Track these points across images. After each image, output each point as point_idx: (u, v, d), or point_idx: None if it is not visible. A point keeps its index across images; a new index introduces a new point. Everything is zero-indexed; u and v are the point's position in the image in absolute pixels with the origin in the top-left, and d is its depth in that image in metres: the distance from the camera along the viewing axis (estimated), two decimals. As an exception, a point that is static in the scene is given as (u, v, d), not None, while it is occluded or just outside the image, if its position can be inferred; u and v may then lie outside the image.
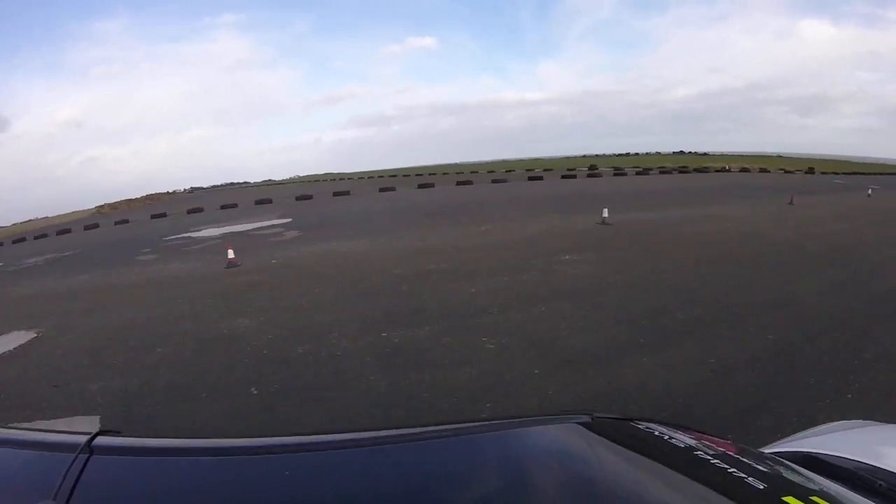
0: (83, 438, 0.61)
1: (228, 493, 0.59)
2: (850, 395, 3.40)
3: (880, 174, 43.38)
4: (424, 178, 46.80)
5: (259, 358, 4.71)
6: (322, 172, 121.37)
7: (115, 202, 62.71)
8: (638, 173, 39.51)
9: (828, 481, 0.76)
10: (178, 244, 15.61)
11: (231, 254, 10.19)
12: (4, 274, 14.07)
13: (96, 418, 3.68)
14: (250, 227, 18.03)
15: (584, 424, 0.77)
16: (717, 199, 17.93)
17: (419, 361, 4.34)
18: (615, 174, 39.16)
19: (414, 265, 8.51)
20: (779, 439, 1.31)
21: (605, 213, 12.49)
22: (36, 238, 28.65)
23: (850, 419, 1.48)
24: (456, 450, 0.68)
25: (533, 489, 0.62)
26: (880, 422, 1.38)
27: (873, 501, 0.75)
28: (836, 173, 41.54)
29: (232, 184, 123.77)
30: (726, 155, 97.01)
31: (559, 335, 4.83)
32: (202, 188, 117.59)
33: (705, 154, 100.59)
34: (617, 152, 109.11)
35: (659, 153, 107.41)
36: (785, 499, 0.61)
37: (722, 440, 0.81)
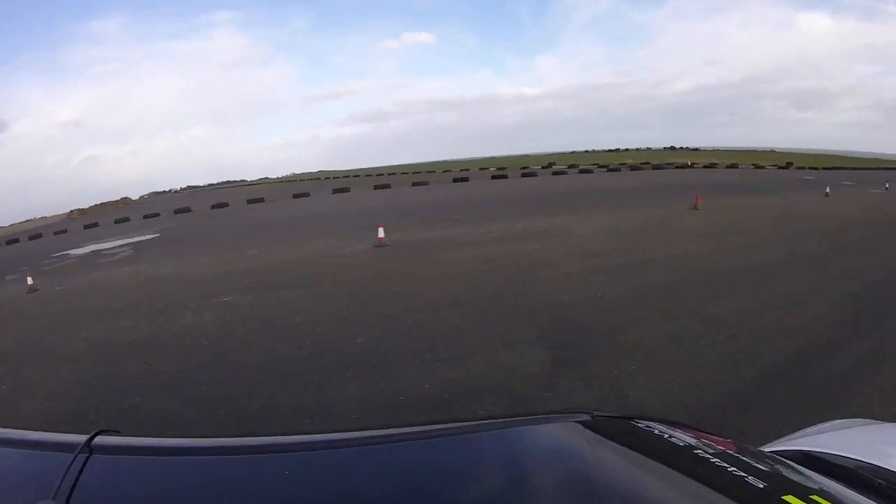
0: (83, 438, 0.61)
1: (229, 492, 0.59)
2: None
3: (868, 169, 42.56)
4: (400, 178, 46.46)
5: None
6: (316, 170, 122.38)
7: (86, 208, 62.78)
8: (581, 171, 39.41)
9: (828, 480, 0.76)
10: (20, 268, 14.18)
11: (30, 280, 10.51)
12: None
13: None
14: (110, 246, 17.90)
15: (583, 423, 0.77)
16: (606, 204, 15.90)
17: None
18: (554, 173, 38.83)
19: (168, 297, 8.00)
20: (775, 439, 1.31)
21: (381, 233, 10.83)
22: None
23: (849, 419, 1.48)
24: (456, 449, 0.68)
25: (533, 488, 0.62)
26: (880, 420, 1.38)
27: (873, 500, 0.74)
28: (816, 168, 40.55)
29: (228, 182, 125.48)
30: (717, 150, 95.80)
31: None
32: (198, 187, 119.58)
33: (696, 150, 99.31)
34: (609, 148, 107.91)
35: (649, 148, 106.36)
36: (785, 497, 0.61)
37: (722, 439, 0.81)
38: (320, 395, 3.94)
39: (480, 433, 0.73)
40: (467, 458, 0.66)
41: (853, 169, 41.25)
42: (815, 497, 0.63)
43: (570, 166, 47.21)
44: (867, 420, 1.42)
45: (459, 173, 43.16)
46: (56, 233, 30.73)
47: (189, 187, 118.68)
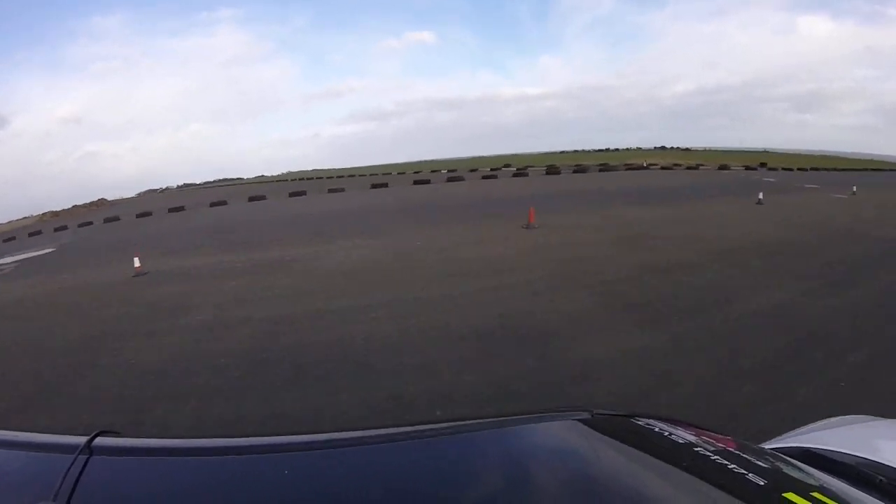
0: (83, 439, 0.62)
1: (229, 493, 0.60)
2: None
3: (855, 170, 41.32)
4: (379, 178, 45.12)
5: None
6: (316, 168, 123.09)
7: (58, 210, 60.60)
8: (515, 174, 38.37)
9: (829, 477, 0.76)
10: None
11: None
12: None
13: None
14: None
15: (583, 421, 0.78)
16: (441, 219, 14.48)
17: None
18: (483, 177, 37.32)
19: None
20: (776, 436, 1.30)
21: (137, 263, 10.11)
22: None
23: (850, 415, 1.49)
24: (456, 448, 0.68)
25: (533, 486, 0.62)
26: (881, 417, 1.38)
27: (874, 497, 0.74)
28: (790, 169, 39.14)
29: (224, 180, 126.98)
30: (710, 150, 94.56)
31: None
32: (194, 184, 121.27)
33: (687, 150, 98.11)
34: (600, 148, 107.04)
35: (640, 148, 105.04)
36: (786, 495, 0.61)
37: (722, 436, 0.81)
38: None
39: (480, 432, 0.74)
40: (467, 457, 0.67)
41: (842, 170, 39.97)
42: (815, 494, 0.63)
43: (528, 167, 46.57)
44: (868, 417, 1.42)
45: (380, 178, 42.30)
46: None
47: (185, 185, 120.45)
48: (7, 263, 17.21)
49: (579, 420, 0.78)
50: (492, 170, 45.61)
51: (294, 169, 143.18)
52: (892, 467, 0.90)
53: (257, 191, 39.33)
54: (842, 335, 4.63)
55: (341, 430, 0.70)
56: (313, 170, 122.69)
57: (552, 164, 47.24)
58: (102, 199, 71.63)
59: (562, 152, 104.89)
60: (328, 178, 64.78)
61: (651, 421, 0.84)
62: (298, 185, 42.82)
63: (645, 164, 43.04)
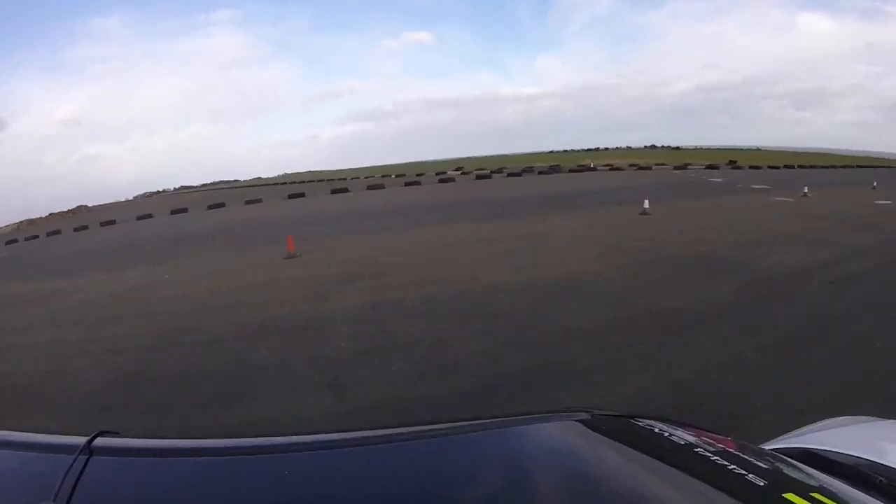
0: (83, 439, 0.61)
1: (229, 493, 0.60)
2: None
3: (836, 167, 40.69)
4: (376, 180, 45.20)
5: None
6: (316, 169, 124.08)
7: (34, 218, 58.84)
8: (478, 177, 38.62)
9: (828, 477, 0.76)
10: None
11: None
12: None
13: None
14: None
15: (583, 422, 0.78)
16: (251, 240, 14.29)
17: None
18: (439, 181, 37.90)
19: None
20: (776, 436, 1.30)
21: None
22: None
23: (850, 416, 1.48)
24: (456, 448, 0.68)
25: (533, 487, 0.62)
26: (881, 418, 1.38)
27: (874, 497, 0.74)
28: (759, 168, 38.06)
29: (221, 182, 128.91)
30: (700, 148, 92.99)
31: None
32: (192, 187, 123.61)
33: (677, 148, 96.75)
34: (589, 147, 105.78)
35: (629, 147, 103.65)
36: (786, 495, 0.61)
37: (722, 437, 0.81)
38: None
39: (480, 433, 0.73)
40: (467, 458, 0.67)
41: (825, 167, 39.00)
42: (815, 494, 0.63)
43: (480, 169, 46.27)
44: (868, 417, 1.42)
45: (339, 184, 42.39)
46: None
47: (182, 187, 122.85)
48: None
49: (579, 421, 0.78)
50: (418, 175, 45.31)
51: (291, 171, 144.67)
52: (892, 468, 0.90)
53: (215, 198, 39.34)
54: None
55: (341, 431, 0.70)
56: (307, 171, 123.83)
57: (499, 168, 47.80)
58: (81, 205, 71.05)
59: (551, 152, 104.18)
60: (329, 179, 64.15)
61: (651, 422, 0.84)
62: (255, 193, 42.88)
63: (591, 165, 42.89)
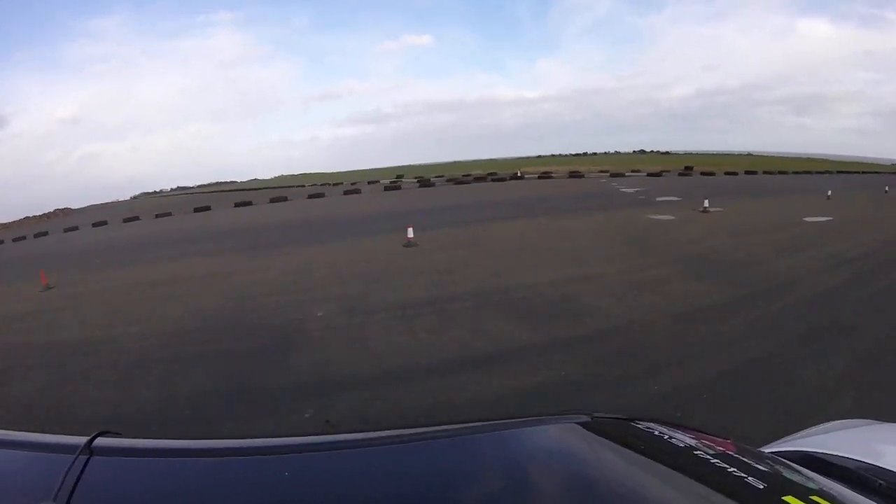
0: (83, 439, 0.61)
1: (229, 493, 0.60)
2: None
3: (812, 173, 40.38)
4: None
5: None
6: (317, 171, 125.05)
7: (8, 222, 58.37)
8: (386, 188, 37.84)
9: (828, 480, 0.76)
10: None
11: None
12: None
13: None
14: None
15: (583, 424, 0.78)
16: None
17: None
18: (385, 188, 37.84)
19: None
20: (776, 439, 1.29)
21: None
22: None
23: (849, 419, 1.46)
24: (456, 450, 0.68)
25: (533, 489, 0.62)
26: (880, 421, 1.38)
27: (873, 500, 0.74)
28: (712, 174, 37.42)
29: (218, 183, 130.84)
30: (690, 154, 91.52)
31: None
32: (189, 188, 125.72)
33: (666, 153, 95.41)
34: (578, 152, 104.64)
35: (618, 152, 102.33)
36: (785, 498, 0.61)
37: (722, 440, 0.81)
38: None
39: (480, 435, 0.73)
40: (467, 460, 0.67)
41: (804, 173, 38.67)
42: (815, 497, 0.63)
43: (433, 177, 46.19)
44: (867, 420, 1.42)
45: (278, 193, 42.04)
46: None
47: (179, 188, 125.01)
48: None
49: (579, 423, 0.78)
50: (352, 184, 44.81)
51: (287, 173, 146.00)
52: (891, 471, 0.90)
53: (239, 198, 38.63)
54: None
55: (341, 433, 0.70)
56: (303, 174, 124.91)
57: (439, 175, 48.07)
58: (57, 208, 70.92)
59: (538, 157, 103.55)
60: (323, 183, 63.69)
61: (651, 424, 0.85)
62: (244, 195, 41.86)
63: (519, 174, 43.25)
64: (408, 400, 3.95)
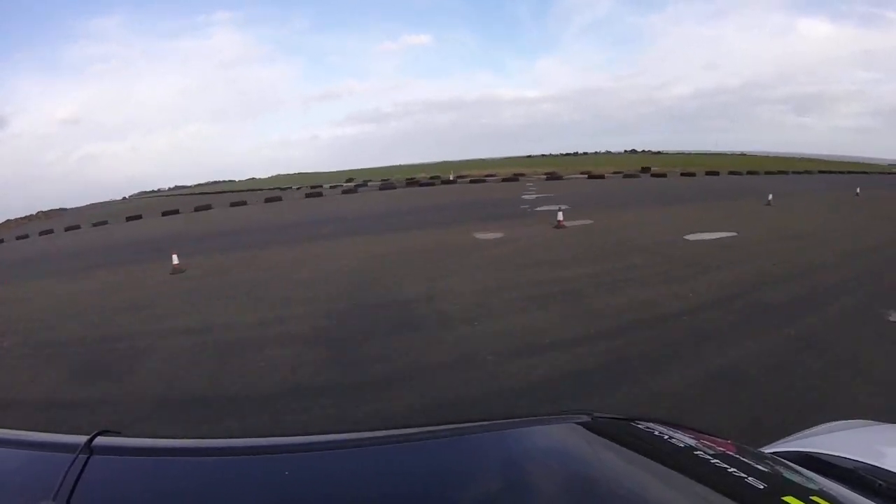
0: (83, 438, 0.61)
1: (229, 493, 0.59)
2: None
3: (802, 173, 39.69)
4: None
5: None
6: (317, 171, 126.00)
7: None
8: (308, 194, 37.26)
9: (828, 481, 0.76)
10: None
11: None
12: None
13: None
14: None
15: (583, 424, 0.78)
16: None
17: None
18: (306, 195, 36.82)
19: None
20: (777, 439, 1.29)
21: None
22: None
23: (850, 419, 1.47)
24: (456, 450, 0.68)
25: (533, 489, 0.62)
26: (880, 421, 1.38)
27: (873, 501, 0.74)
28: (663, 176, 35.76)
29: (215, 183, 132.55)
30: (682, 153, 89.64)
31: None
32: (186, 187, 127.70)
33: (658, 153, 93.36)
34: (568, 152, 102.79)
35: (609, 152, 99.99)
36: (785, 498, 0.61)
37: (722, 440, 0.81)
38: None
39: (480, 434, 0.73)
40: (467, 460, 0.67)
41: (782, 173, 37.49)
42: (815, 498, 0.63)
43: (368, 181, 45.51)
44: (867, 421, 1.42)
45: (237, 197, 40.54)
46: None
47: (177, 187, 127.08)
48: None
49: (579, 423, 0.78)
50: (300, 188, 44.41)
51: (284, 172, 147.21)
52: (890, 471, 0.90)
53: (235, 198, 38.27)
54: None
55: (340, 432, 0.70)
56: (299, 173, 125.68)
57: (385, 179, 48.01)
58: (41, 211, 69.23)
59: (529, 157, 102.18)
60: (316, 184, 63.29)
61: (651, 424, 0.85)
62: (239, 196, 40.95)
63: (452, 179, 42.86)
64: None
